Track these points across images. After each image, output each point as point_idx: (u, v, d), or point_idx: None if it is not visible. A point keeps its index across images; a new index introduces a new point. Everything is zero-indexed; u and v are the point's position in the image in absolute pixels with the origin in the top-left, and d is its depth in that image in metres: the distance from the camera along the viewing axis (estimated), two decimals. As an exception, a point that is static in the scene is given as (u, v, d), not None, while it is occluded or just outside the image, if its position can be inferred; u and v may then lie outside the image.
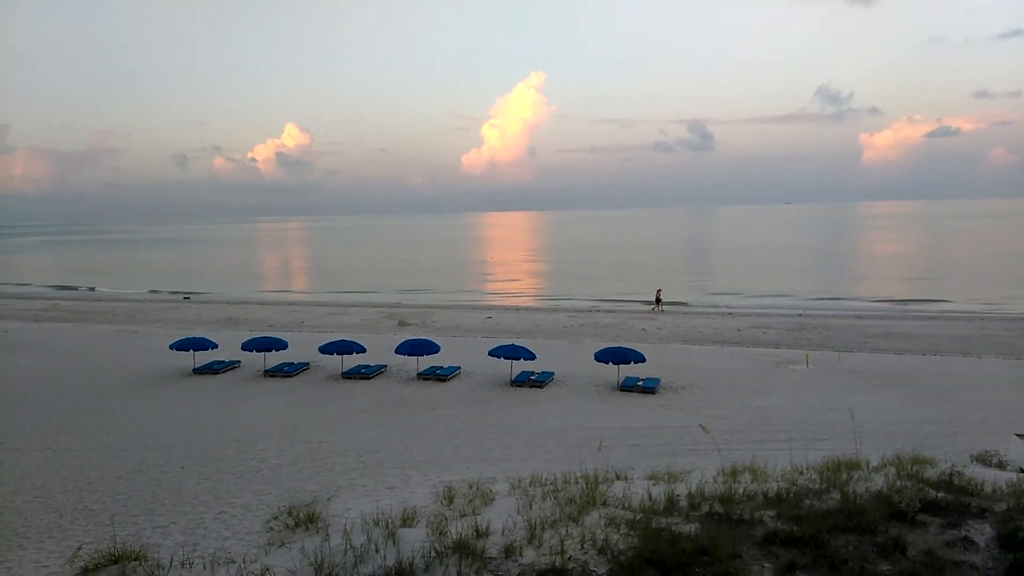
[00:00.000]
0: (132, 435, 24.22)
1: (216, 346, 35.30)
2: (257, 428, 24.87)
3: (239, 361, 35.39)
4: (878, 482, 9.60)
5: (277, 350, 34.17)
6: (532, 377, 31.34)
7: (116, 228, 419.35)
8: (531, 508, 9.21)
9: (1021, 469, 14.50)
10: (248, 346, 33.98)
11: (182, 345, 34.21)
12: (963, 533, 7.75)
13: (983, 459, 15.46)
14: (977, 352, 38.07)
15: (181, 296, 74.98)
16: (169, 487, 18.94)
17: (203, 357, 35.25)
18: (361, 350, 33.31)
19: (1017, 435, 16.78)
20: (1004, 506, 8.34)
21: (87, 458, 21.63)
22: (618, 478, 11.50)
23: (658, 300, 57.39)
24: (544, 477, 11.99)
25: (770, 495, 9.25)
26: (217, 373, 33.91)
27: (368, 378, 32.53)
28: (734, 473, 11.35)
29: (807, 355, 35.98)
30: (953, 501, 8.47)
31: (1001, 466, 14.86)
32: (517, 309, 61.38)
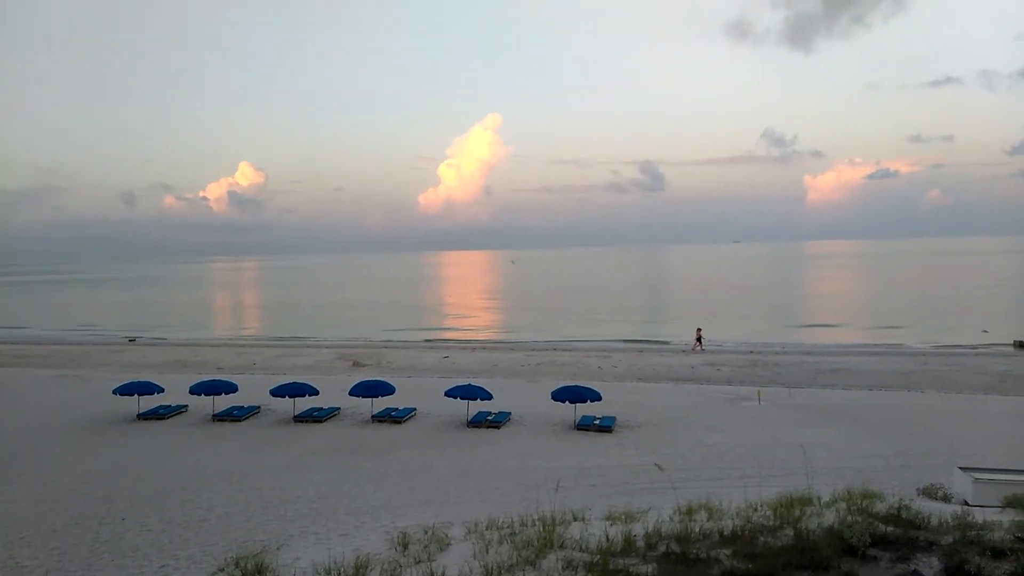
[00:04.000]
0: (70, 485, 23.14)
1: (162, 390, 34.19)
2: (204, 475, 24.02)
3: (186, 405, 34.31)
4: (830, 517, 9.75)
5: (226, 393, 33.25)
6: (489, 417, 31.12)
7: (61, 268, 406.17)
8: (488, 552, 9.08)
9: (965, 502, 14.90)
10: (196, 389, 32.99)
11: (126, 389, 33.02)
12: (912, 567, 7.90)
13: (929, 492, 15.86)
14: (920, 387, 39.27)
15: (126, 339, 72.66)
16: (109, 540, 18.09)
17: (148, 402, 34.09)
18: (314, 392, 32.66)
19: (960, 468, 17.27)
20: (950, 539, 8.55)
21: (21, 510, 20.54)
22: (575, 519, 11.43)
23: (699, 339, 57.90)
24: (501, 520, 11.84)
25: (725, 533, 9.31)
26: (163, 418, 32.79)
27: (321, 421, 31.86)
28: (690, 511, 11.39)
29: (759, 391, 36.60)
30: (902, 535, 8.64)
31: (946, 499, 15.26)
32: (474, 348, 61.14)
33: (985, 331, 64.35)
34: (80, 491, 22.40)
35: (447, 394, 31.38)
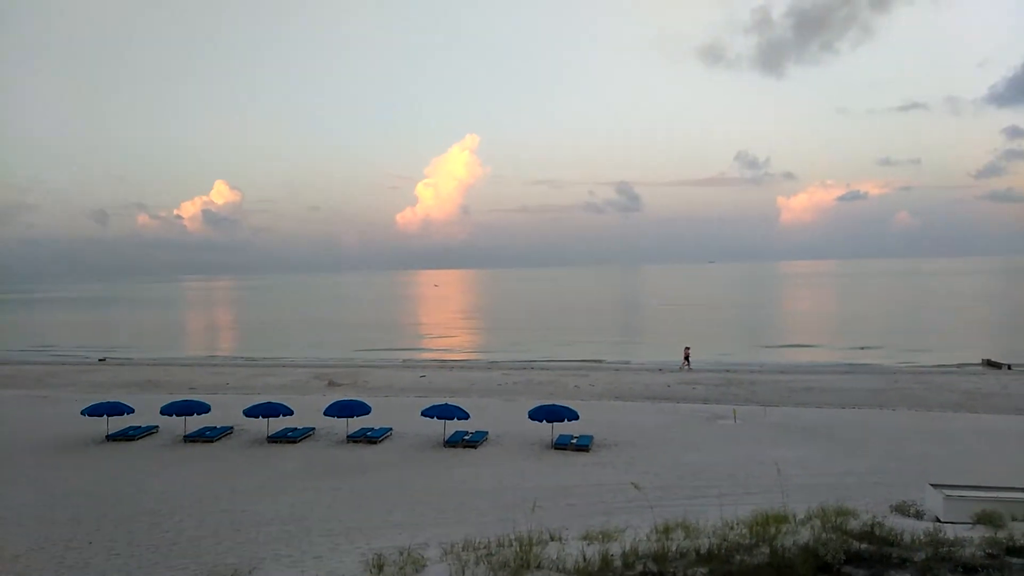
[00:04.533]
0: (35, 508, 22.52)
1: (132, 411, 33.48)
2: (174, 497, 23.54)
3: (157, 426, 33.67)
4: (805, 535, 9.80)
5: (199, 414, 32.66)
6: (466, 437, 30.92)
7: (31, 287, 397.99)
8: (464, 573, 9.00)
9: (937, 518, 15.07)
10: (167, 410, 32.37)
11: (95, 410, 32.32)
12: (886, 583, 7.96)
13: (902, 509, 16.02)
14: (892, 405, 39.78)
15: (96, 359, 71.28)
16: (74, 565, 17.60)
17: (118, 423, 33.38)
18: (288, 412, 32.24)
19: (932, 485, 17.46)
20: (923, 555, 8.64)
21: (-18, 536, 19.93)
22: (552, 539, 11.38)
23: (687, 358, 57.85)
24: (477, 541, 11.74)
25: (702, 552, 9.31)
26: (133, 439, 32.12)
27: (295, 442, 31.42)
28: (667, 530, 11.39)
29: (735, 410, 36.81)
30: (875, 552, 8.72)
31: (918, 516, 15.43)
32: (451, 367, 60.88)
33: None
34: (45, 515, 21.81)
35: (424, 414, 31.16)
